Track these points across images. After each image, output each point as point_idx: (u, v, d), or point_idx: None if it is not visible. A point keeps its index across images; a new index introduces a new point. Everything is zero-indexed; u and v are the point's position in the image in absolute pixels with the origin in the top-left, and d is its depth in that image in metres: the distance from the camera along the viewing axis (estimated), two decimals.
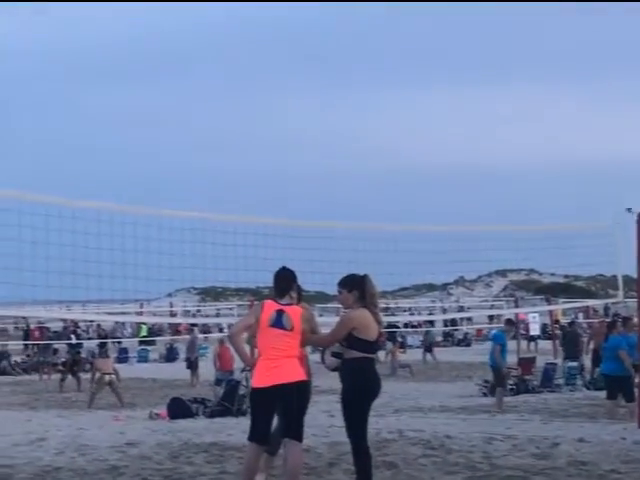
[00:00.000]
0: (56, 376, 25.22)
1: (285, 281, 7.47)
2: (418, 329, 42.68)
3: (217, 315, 50.77)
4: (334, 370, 7.57)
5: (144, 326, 41.01)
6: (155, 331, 44.87)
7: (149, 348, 38.31)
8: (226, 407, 15.99)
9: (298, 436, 7.34)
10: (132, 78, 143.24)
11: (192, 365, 24.97)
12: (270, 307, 7.35)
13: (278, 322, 7.29)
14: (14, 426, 14.84)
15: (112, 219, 11.38)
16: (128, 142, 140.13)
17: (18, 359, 32.30)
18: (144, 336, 40.79)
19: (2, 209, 9.64)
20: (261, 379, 7.30)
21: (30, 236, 10.67)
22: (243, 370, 17.85)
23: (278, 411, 7.39)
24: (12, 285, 10.93)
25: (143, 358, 35.76)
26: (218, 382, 19.12)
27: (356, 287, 7.47)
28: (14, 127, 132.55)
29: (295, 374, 7.28)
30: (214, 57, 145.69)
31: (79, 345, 33.84)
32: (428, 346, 32.30)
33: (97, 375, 19.98)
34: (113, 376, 19.93)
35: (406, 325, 43.49)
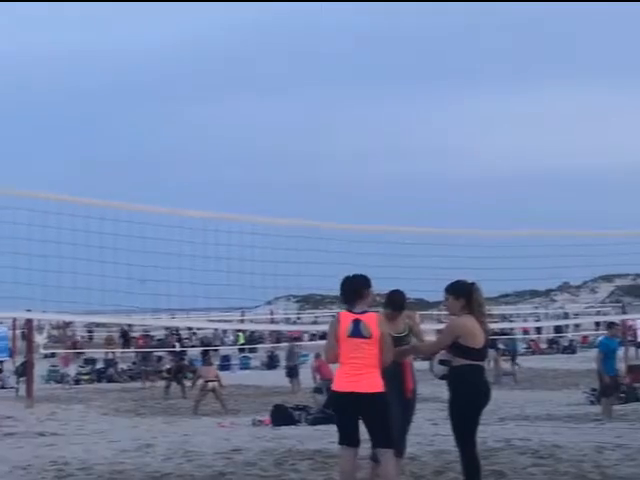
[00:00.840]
0: (161, 383, 25.65)
1: (352, 289, 7.42)
2: (512, 336, 42.02)
3: (314, 322, 50.94)
4: (442, 378, 7.48)
5: (241, 334, 41.45)
6: (256, 339, 45.30)
7: (250, 355, 38.70)
8: (328, 414, 15.97)
9: (387, 444, 7.30)
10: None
11: (292, 373, 25.09)
12: (346, 318, 7.32)
13: (356, 331, 7.25)
14: (122, 432, 15.14)
15: (217, 228, 11.48)
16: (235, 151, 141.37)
17: (124, 366, 32.99)
18: (242, 344, 41.22)
19: (113, 219, 9.79)
20: (340, 384, 7.32)
21: (138, 245, 10.85)
22: None
23: (362, 421, 7.37)
24: (121, 294, 11.12)
25: (245, 365, 36.14)
26: (318, 390, 19.17)
27: (463, 294, 7.36)
28: (117, 137, 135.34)
29: (373, 386, 7.26)
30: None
31: (183, 353, 34.37)
32: (512, 354, 31.72)
33: (200, 382, 20.24)
34: (216, 383, 20.15)
35: (506, 333, 42.85)
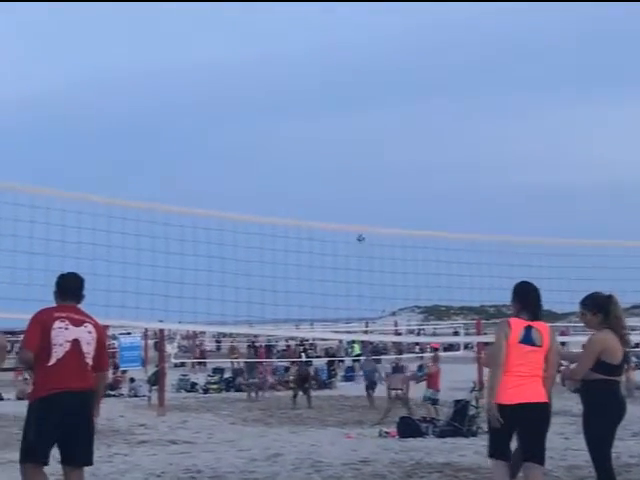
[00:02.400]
0: (288, 393, 25.92)
1: (528, 295, 7.23)
2: None
3: (434, 334, 50.56)
4: (575, 391, 7.33)
5: (356, 345, 41.43)
6: (380, 350, 45.25)
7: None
8: (456, 427, 15.86)
9: (541, 459, 7.12)
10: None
11: (370, 386, 24.72)
12: (517, 324, 7.10)
13: (527, 338, 7.03)
14: (251, 441, 15.37)
15: (334, 239, 11.54)
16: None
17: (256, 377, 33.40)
18: (357, 354, 41.18)
19: (244, 232, 9.94)
20: (505, 396, 7.04)
21: (258, 255, 10.98)
22: (472, 390, 17.68)
23: (518, 432, 7.20)
24: (243, 304, 11.30)
25: None
26: (433, 401, 19.12)
27: (600, 309, 7.19)
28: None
29: (539, 395, 7.07)
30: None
31: (308, 363, 34.61)
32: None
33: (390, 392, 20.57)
34: (400, 391, 20.37)
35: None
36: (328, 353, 40.76)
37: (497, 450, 7.15)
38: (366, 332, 35.77)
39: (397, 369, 22.17)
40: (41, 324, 6.81)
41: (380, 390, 23.98)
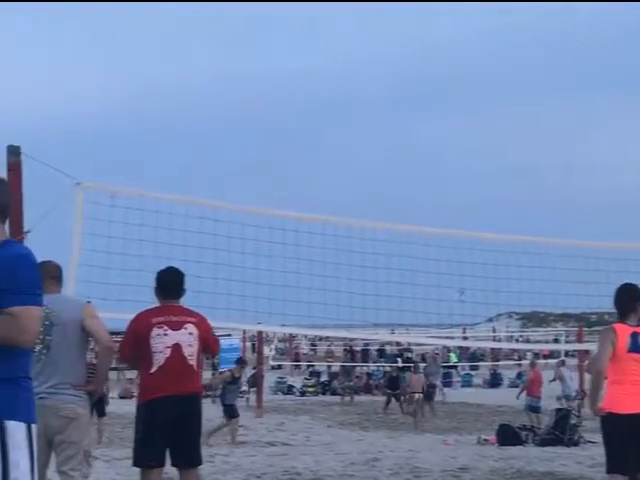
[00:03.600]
0: (384, 398, 25.87)
1: (632, 299, 6.98)
2: None
3: (527, 341, 49.74)
4: None
5: (452, 354, 41.04)
6: (477, 356, 44.80)
7: (472, 373, 38.33)
8: (557, 436, 15.61)
9: None
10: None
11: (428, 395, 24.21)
12: (623, 331, 6.83)
13: (635, 346, 6.78)
14: (348, 445, 15.40)
15: (427, 242, 11.42)
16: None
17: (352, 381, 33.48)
18: (454, 363, 40.79)
19: (326, 234, 9.83)
20: (623, 405, 6.77)
21: (358, 260, 10.93)
22: (575, 398, 17.38)
23: (631, 442, 6.95)
24: (341, 307, 11.30)
25: (466, 383, 35.82)
26: (534, 409, 18.77)
27: None
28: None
29: None
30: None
31: (404, 368, 34.51)
32: None
33: (410, 395, 20.21)
34: (421, 395, 20.03)
35: None
36: (424, 359, 40.54)
37: (615, 464, 6.83)
38: (465, 338, 35.38)
39: (414, 369, 21.72)
40: (136, 334, 6.82)
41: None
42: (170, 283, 6.91)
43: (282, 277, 9.02)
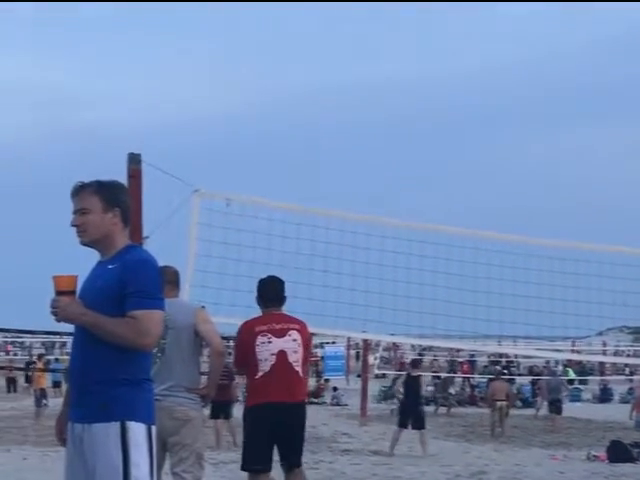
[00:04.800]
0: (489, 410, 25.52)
1: None
2: None
3: (628, 355, 48.37)
4: None
5: (570, 369, 40.18)
6: (587, 370, 43.83)
7: (581, 387, 37.50)
8: None
9: None
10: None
11: (554, 408, 23.54)
12: None
13: None
14: (453, 457, 15.26)
15: (540, 254, 11.22)
16: None
17: (452, 391, 33.18)
18: (571, 379, 39.92)
19: (425, 242, 9.73)
20: None
21: (459, 269, 10.78)
22: None
23: None
24: (443, 317, 11.15)
25: (575, 398, 35.05)
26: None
27: None
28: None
29: None
30: None
31: (511, 381, 34.01)
32: None
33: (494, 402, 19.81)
34: (504, 403, 19.62)
35: None
36: (532, 372, 39.85)
37: None
38: (573, 351, 34.64)
39: (497, 376, 21.10)
40: (243, 345, 6.95)
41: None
42: (270, 291, 7.02)
43: (392, 286, 9.02)
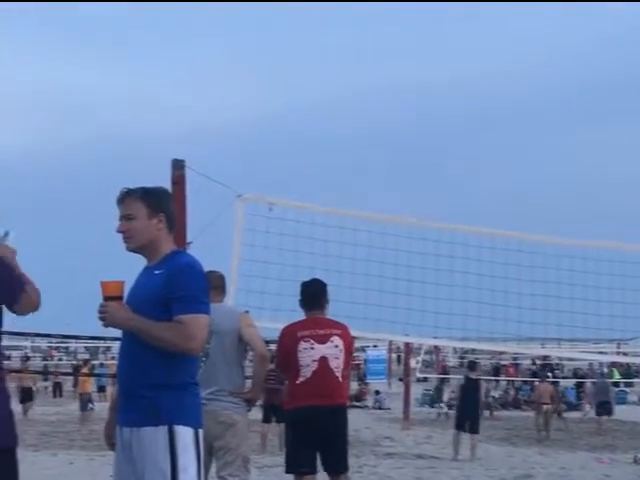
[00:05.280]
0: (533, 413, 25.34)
1: None
2: None
3: None
4: None
5: (615, 370, 39.75)
6: (632, 372, 43.35)
7: (627, 390, 37.09)
8: None
9: None
10: None
11: (602, 410, 23.24)
12: None
13: None
14: (498, 461, 15.15)
15: (585, 255, 11.11)
16: None
17: (495, 394, 33.01)
18: (616, 380, 39.47)
19: (469, 244, 9.68)
20: None
21: (513, 273, 10.75)
22: None
23: None
24: (495, 321, 11.10)
25: (621, 400, 34.68)
26: None
27: None
28: None
29: None
30: None
31: (556, 383, 33.75)
32: None
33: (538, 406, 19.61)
34: (550, 407, 19.40)
35: None
36: (576, 374, 39.52)
37: None
38: (618, 353, 34.26)
39: (543, 378, 20.80)
40: (285, 349, 6.97)
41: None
42: (312, 294, 7.02)
43: (434, 288, 8.99)
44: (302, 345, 6.83)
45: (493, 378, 38.95)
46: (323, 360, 6.81)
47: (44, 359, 48.90)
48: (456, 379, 39.27)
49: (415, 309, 8.98)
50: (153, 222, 4.16)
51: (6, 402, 3.71)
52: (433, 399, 26.57)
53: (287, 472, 7.10)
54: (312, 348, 6.82)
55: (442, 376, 41.77)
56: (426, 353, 47.90)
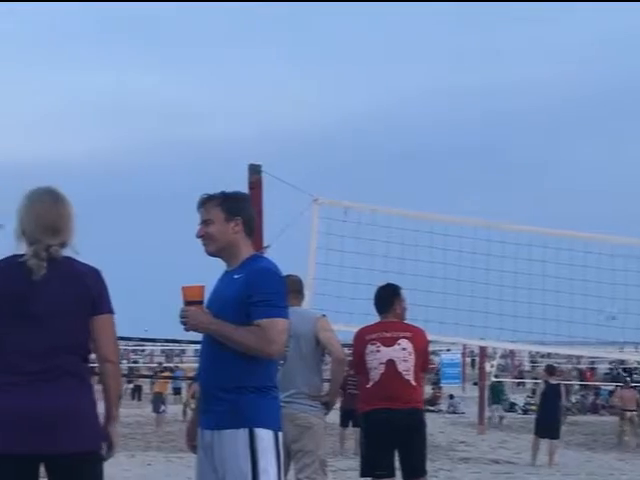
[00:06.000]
0: (612, 418, 24.89)
1: None
2: None
3: None
4: None
5: None
6: None
7: None
8: None
9: None
10: None
11: None
12: None
13: None
14: (576, 467, 14.94)
15: None
16: None
17: (573, 399, 32.51)
18: None
19: (532, 245, 9.46)
20: None
21: (592, 275, 10.54)
22: None
23: None
24: (563, 323, 10.89)
25: None
26: None
27: None
28: None
29: None
30: None
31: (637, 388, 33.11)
32: None
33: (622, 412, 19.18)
34: (634, 413, 18.93)
35: None
36: None
37: None
38: None
39: (626, 384, 20.23)
40: (356, 353, 7.01)
41: None
42: (383, 299, 7.03)
43: (512, 292, 8.89)
44: (369, 348, 6.84)
45: (576, 383, 38.35)
46: (390, 363, 6.80)
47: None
48: (530, 383, 38.87)
49: (493, 312, 8.89)
50: (230, 226, 4.20)
51: (92, 404, 3.77)
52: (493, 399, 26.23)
53: (362, 476, 7.09)
54: (378, 351, 6.82)
55: (517, 380, 41.34)
56: (501, 357, 47.42)
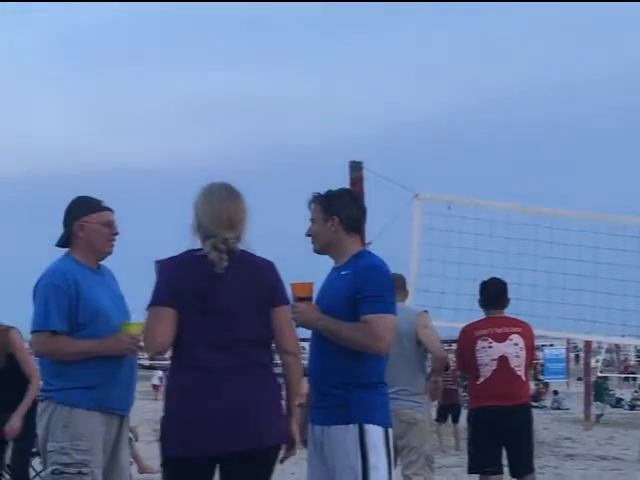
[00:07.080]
0: None
1: None
2: None
3: None
4: None
5: None
6: None
7: None
8: None
9: None
10: None
11: None
12: None
13: None
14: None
15: None
16: None
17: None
18: None
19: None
20: None
21: None
22: None
23: None
24: None
25: None
26: None
27: None
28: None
29: None
30: None
31: None
32: None
33: None
34: None
35: None
36: None
37: None
38: None
39: None
40: (464, 349, 6.91)
41: None
42: (491, 294, 6.92)
43: (621, 285, 8.68)
44: (480, 344, 6.75)
45: None
46: (503, 359, 6.70)
47: None
48: (638, 378, 37.95)
49: (601, 306, 8.68)
50: (328, 225, 4.24)
51: (279, 395, 3.82)
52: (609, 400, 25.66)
53: (470, 472, 7.04)
54: (490, 347, 6.73)
55: (624, 375, 40.43)
56: (607, 352, 46.44)
